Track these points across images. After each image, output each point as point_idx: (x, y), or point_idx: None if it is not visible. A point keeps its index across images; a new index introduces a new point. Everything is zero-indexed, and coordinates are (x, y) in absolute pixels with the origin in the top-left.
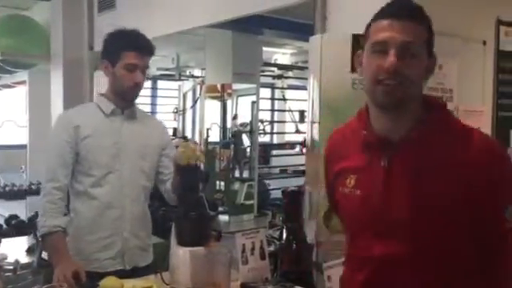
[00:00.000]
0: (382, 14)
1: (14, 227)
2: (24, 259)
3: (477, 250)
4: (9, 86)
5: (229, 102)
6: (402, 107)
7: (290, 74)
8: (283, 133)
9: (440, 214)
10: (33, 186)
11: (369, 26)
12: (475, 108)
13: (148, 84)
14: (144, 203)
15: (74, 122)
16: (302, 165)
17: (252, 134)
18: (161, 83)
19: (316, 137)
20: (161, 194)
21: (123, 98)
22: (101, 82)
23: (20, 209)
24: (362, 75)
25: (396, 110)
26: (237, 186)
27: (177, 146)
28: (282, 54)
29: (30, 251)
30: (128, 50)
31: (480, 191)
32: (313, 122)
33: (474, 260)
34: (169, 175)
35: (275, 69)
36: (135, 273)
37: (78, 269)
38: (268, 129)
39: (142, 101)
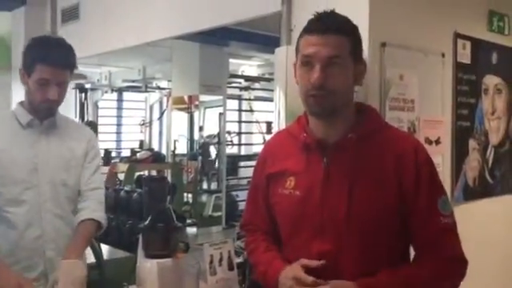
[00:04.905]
0: (309, 29)
1: None
2: None
3: (415, 245)
4: None
5: (196, 114)
6: (333, 115)
7: (257, 85)
8: (251, 144)
9: (375, 210)
10: None
11: (299, 38)
12: (436, 118)
13: (114, 96)
14: (72, 218)
15: None
16: None
17: (219, 145)
18: (127, 95)
19: None
20: (127, 207)
21: (37, 112)
22: None
23: None
24: (298, 84)
25: (329, 117)
26: (205, 197)
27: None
28: (249, 66)
29: None
30: (41, 63)
31: (410, 187)
32: None
33: (406, 255)
34: (83, 196)
35: (242, 80)
36: None
37: (22, 281)
38: (235, 140)
39: (108, 113)
